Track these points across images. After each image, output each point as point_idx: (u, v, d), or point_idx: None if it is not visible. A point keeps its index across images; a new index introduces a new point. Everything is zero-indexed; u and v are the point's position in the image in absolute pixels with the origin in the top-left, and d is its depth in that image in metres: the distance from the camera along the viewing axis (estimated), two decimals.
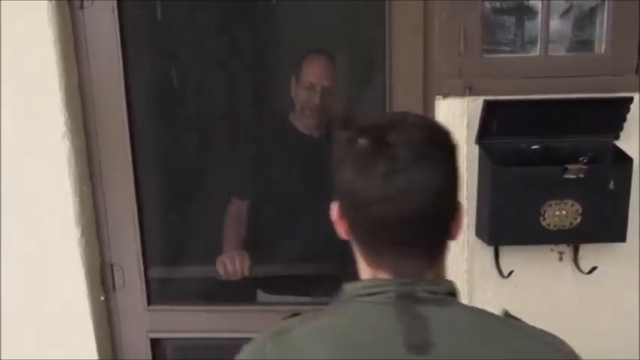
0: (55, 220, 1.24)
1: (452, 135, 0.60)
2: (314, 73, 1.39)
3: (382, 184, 0.55)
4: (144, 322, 1.33)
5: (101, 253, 1.31)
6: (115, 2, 1.15)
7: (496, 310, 0.61)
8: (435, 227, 0.58)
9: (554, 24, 1.25)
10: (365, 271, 0.61)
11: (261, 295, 1.55)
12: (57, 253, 1.26)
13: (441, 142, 0.59)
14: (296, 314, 0.63)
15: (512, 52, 1.30)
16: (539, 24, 1.19)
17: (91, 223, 1.28)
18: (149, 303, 1.31)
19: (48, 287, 1.27)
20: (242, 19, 1.58)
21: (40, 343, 1.30)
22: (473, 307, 0.60)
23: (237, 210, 1.51)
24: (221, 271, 1.40)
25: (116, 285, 1.31)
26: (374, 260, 0.59)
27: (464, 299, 1.23)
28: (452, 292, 0.59)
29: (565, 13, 1.26)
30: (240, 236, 1.49)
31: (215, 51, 1.67)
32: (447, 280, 0.60)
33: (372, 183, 0.55)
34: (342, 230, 0.62)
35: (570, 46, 1.31)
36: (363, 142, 0.57)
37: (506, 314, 0.63)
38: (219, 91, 1.69)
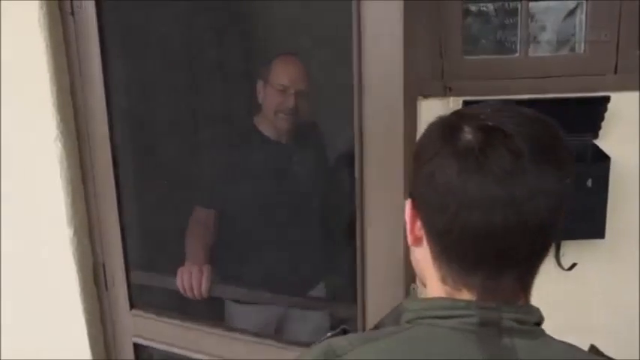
0: (48, 220, 1.27)
1: None
2: (288, 75, 1.33)
3: (501, 183, 0.44)
4: (128, 325, 1.33)
5: (93, 253, 1.33)
6: (94, 5, 1.16)
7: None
8: (545, 243, 0.50)
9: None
10: (436, 287, 0.51)
11: (230, 306, 1.47)
12: (50, 253, 1.29)
13: (564, 143, 0.50)
14: (345, 331, 0.55)
15: (495, 52, 1.32)
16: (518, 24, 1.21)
17: (84, 224, 1.31)
18: (131, 307, 1.32)
19: (41, 285, 1.31)
20: (220, 23, 1.56)
21: (33, 343, 1.33)
22: (562, 342, 0.51)
23: (203, 217, 1.40)
24: (180, 288, 1.30)
25: (108, 284, 1.34)
26: (456, 276, 0.49)
27: None
28: (539, 322, 0.51)
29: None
30: (205, 248, 1.36)
31: (193, 55, 1.66)
32: (535, 306, 0.51)
33: (484, 182, 0.45)
34: (413, 235, 0.52)
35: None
36: (469, 129, 0.47)
37: (595, 350, 0.54)
38: (202, 94, 1.69)
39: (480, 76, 1.21)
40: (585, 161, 1.15)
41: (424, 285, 0.55)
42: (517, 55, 1.22)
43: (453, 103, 1.17)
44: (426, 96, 1.19)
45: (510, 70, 1.21)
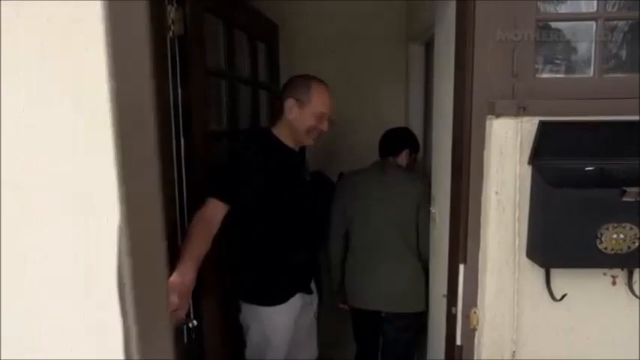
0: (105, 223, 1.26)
1: None
2: (327, 104, 1.56)
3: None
4: None
5: None
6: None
7: None
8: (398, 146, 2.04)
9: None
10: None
11: (245, 307, 1.60)
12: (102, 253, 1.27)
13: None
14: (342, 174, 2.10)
15: (566, 72, 1.28)
16: (593, 44, 1.18)
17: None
18: None
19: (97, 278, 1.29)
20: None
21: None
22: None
23: (213, 212, 1.34)
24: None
25: None
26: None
27: (512, 321, 1.21)
28: None
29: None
30: (202, 252, 1.27)
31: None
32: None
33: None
34: None
35: None
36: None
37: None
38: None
39: (552, 96, 1.17)
40: None
41: None
42: (590, 75, 1.19)
43: (528, 123, 1.14)
44: (497, 115, 1.16)
45: (584, 90, 1.18)
